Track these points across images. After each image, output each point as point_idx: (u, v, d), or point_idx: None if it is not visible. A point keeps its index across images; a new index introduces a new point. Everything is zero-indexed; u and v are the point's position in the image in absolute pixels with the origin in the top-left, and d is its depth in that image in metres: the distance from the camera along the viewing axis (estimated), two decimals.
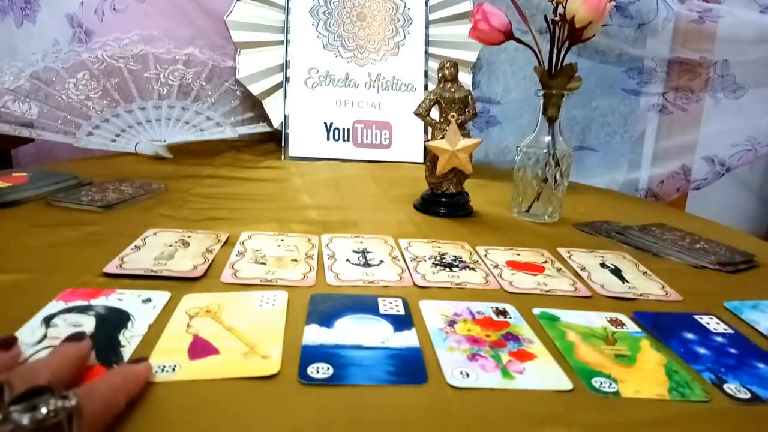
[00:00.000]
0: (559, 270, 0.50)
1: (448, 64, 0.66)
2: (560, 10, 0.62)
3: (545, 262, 0.52)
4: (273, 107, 1.04)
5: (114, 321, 0.35)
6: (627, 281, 0.49)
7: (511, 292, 0.44)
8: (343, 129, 1.04)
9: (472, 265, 0.49)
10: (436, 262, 0.49)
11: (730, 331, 0.40)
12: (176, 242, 0.50)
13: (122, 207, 0.61)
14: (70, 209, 0.59)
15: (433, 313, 0.39)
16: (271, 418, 0.27)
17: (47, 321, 0.34)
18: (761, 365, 0.35)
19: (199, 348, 0.32)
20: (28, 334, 0.32)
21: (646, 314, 0.42)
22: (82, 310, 0.36)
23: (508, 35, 0.67)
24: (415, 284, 0.44)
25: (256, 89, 1.03)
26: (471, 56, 1.11)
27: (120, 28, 1.02)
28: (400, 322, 0.37)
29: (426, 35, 1.10)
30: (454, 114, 0.64)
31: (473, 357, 0.33)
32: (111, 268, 0.43)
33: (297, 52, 1.04)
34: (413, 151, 1.05)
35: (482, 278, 0.47)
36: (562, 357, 0.34)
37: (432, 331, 0.36)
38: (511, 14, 0.68)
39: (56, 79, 0.94)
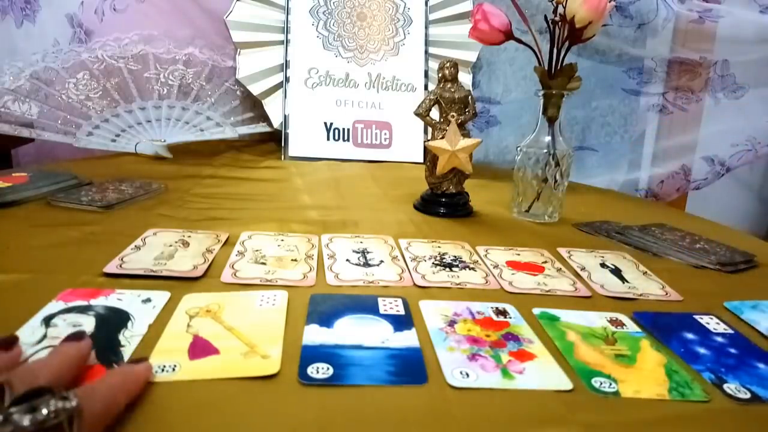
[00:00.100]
0: (559, 270, 0.50)
1: (448, 64, 0.66)
2: (560, 10, 0.62)
3: (545, 262, 0.52)
4: (273, 107, 1.04)
5: (114, 321, 0.35)
6: (627, 281, 0.49)
7: (511, 292, 0.44)
8: (343, 129, 1.04)
9: (472, 265, 0.49)
10: (436, 262, 0.49)
11: (730, 331, 0.40)
12: (176, 242, 0.50)
13: (122, 207, 0.61)
14: (70, 209, 0.59)
15: (433, 313, 0.39)
16: (271, 418, 0.27)
17: (47, 321, 0.34)
18: (761, 365, 0.35)
19: (199, 348, 0.32)
20: (28, 334, 0.32)
21: (646, 314, 0.42)
22: (82, 310, 0.36)
23: (508, 35, 0.67)
24: (415, 284, 0.44)
25: (256, 89, 1.03)
26: (471, 56, 1.11)
27: (120, 28, 1.02)
28: (400, 322, 0.37)
29: (426, 35, 1.10)
30: (454, 114, 0.64)
31: (473, 357, 0.33)
32: (111, 268, 0.43)
33: (297, 52, 1.04)
34: (413, 151, 1.05)
35: (482, 278, 0.47)
36: (562, 357, 0.34)
37: (432, 331, 0.36)
38: (511, 14, 0.68)
39: (56, 79, 0.94)
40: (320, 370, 0.30)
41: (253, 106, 1.08)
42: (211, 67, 1.06)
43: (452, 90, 0.65)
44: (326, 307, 0.39)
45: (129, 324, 0.34)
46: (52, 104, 0.92)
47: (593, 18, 0.60)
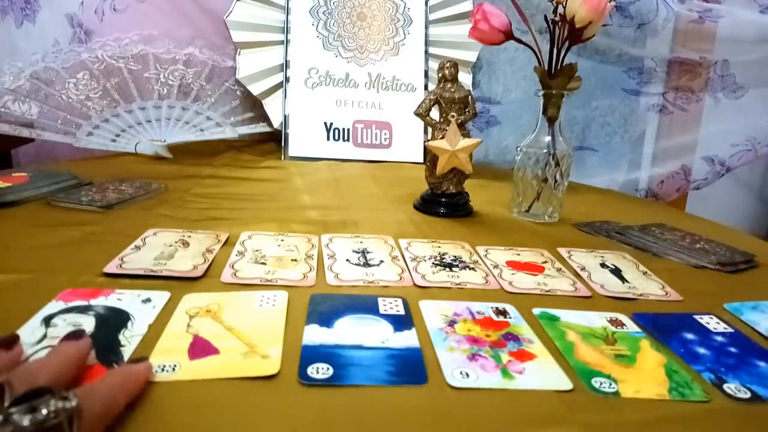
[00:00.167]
0: (559, 270, 0.50)
1: (448, 64, 0.66)
2: (560, 10, 0.62)
3: (545, 262, 0.52)
4: (273, 107, 1.04)
5: (114, 321, 0.35)
6: (627, 281, 0.49)
7: (511, 292, 0.44)
8: (343, 129, 1.04)
9: (472, 265, 0.49)
10: (436, 262, 0.49)
11: (730, 330, 0.40)
12: (176, 242, 0.50)
13: (122, 207, 0.61)
14: (70, 209, 0.59)
15: (433, 313, 0.39)
16: (271, 418, 0.27)
17: (47, 321, 0.34)
18: (761, 364, 0.35)
19: (199, 348, 0.32)
20: (28, 334, 0.32)
21: (645, 315, 0.42)
22: (82, 310, 0.36)
23: (508, 35, 0.67)
24: (415, 284, 0.44)
25: (256, 89, 1.03)
26: (471, 56, 1.11)
27: (120, 28, 1.02)
28: (400, 322, 0.37)
29: (426, 35, 1.10)
30: (454, 114, 0.64)
31: (473, 357, 0.33)
32: (111, 268, 0.43)
33: (297, 52, 1.04)
34: (413, 151, 1.05)
35: (482, 278, 0.47)
36: (562, 357, 0.34)
37: (432, 331, 0.36)
38: (511, 14, 0.68)
39: (56, 79, 0.94)
40: (320, 370, 0.30)
41: (253, 106, 1.08)
42: (211, 67, 1.06)
43: (452, 90, 0.65)
44: (326, 307, 0.39)
45: (129, 324, 0.34)
46: (52, 104, 0.92)
47: (593, 18, 0.60)
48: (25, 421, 0.20)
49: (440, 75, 0.67)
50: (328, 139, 1.03)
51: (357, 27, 1.08)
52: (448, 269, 0.48)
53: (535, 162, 0.66)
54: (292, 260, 0.48)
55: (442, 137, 0.64)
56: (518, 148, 0.68)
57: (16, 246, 0.47)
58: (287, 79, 1.03)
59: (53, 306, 0.36)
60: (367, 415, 0.28)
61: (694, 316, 0.42)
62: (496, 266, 0.50)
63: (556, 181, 0.66)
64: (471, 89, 0.98)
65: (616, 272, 0.51)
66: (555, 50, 0.65)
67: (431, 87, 1.02)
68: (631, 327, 0.39)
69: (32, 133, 0.89)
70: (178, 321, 0.35)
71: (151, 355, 0.31)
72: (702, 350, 0.37)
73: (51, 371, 0.25)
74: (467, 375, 0.31)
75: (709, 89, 1.12)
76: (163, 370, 0.29)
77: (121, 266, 0.43)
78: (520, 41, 0.67)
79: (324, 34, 1.06)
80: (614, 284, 0.48)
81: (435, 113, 0.67)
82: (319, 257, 0.49)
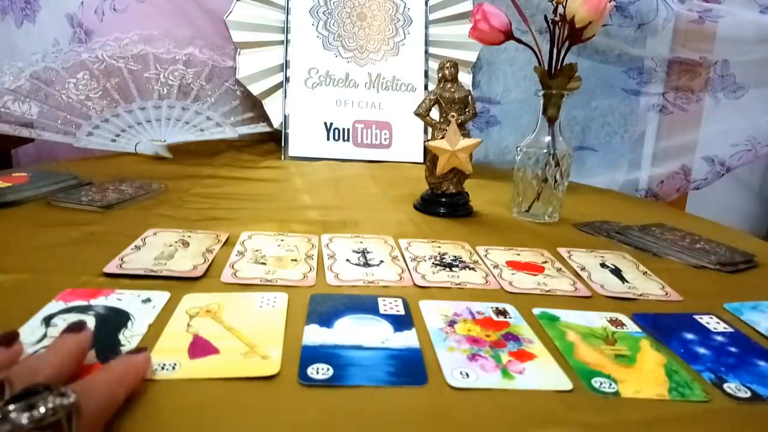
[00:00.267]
0: (559, 270, 0.50)
1: (448, 64, 0.66)
2: (560, 10, 0.62)
3: (545, 262, 0.52)
4: (273, 107, 1.04)
5: (114, 321, 0.35)
6: (627, 281, 0.49)
7: (511, 292, 0.44)
8: (343, 129, 1.04)
9: (472, 265, 0.49)
10: (436, 262, 0.49)
11: (730, 330, 0.40)
12: (176, 242, 0.50)
13: (122, 207, 0.61)
14: (70, 209, 0.59)
15: (433, 313, 0.39)
16: (271, 418, 0.27)
17: (47, 321, 0.34)
18: (762, 363, 0.35)
19: (199, 347, 0.32)
20: (28, 333, 0.32)
21: (645, 315, 0.41)
22: (82, 310, 0.36)
23: (508, 35, 0.67)
24: (415, 284, 0.44)
25: (256, 89, 1.03)
26: (471, 56, 1.11)
27: (120, 28, 1.02)
28: (400, 322, 0.37)
29: (426, 35, 1.10)
30: (454, 114, 0.64)
31: (473, 357, 0.33)
32: (111, 268, 0.43)
33: (297, 52, 1.04)
34: (413, 151, 1.05)
35: (482, 278, 0.47)
36: (562, 357, 0.34)
37: (432, 331, 0.36)
38: (511, 14, 0.68)
39: (56, 79, 0.94)
40: (320, 371, 0.30)
41: (253, 106, 1.08)
42: (211, 67, 1.06)
43: (452, 90, 0.65)
44: (326, 307, 0.39)
45: (129, 324, 0.34)
46: (52, 104, 0.92)
47: (593, 18, 0.60)
48: (24, 419, 0.20)
49: (440, 75, 0.67)
50: (328, 139, 1.03)
51: (357, 27, 1.08)
52: (448, 269, 0.48)
53: (535, 162, 0.66)
54: (292, 260, 0.48)
55: (442, 137, 0.64)
56: (518, 148, 0.68)
57: (16, 246, 0.47)
58: (287, 79, 1.03)
59: (53, 306, 0.36)
60: (367, 416, 0.28)
61: (694, 316, 0.42)
62: (496, 266, 0.50)
63: (556, 181, 0.66)
64: (471, 89, 0.98)
65: (616, 272, 0.51)
66: (555, 50, 0.65)
67: (431, 87, 1.02)
68: (631, 327, 0.39)
69: (32, 133, 0.89)
70: (178, 321, 0.35)
71: (151, 354, 0.31)
72: (702, 350, 0.37)
73: (51, 367, 0.25)
74: (467, 375, 0.31)
75: (709, 89, 1.12)
76: (162, 368, 0.29)
77: (121, 266, 0.43)
78: (520, 41, 0.67)
79: (324, 34, 1.06)
80: (614, 284, 0.48)
81: (435, 113, 0.67)
82: (319, 257, 0.49)
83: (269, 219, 0.60)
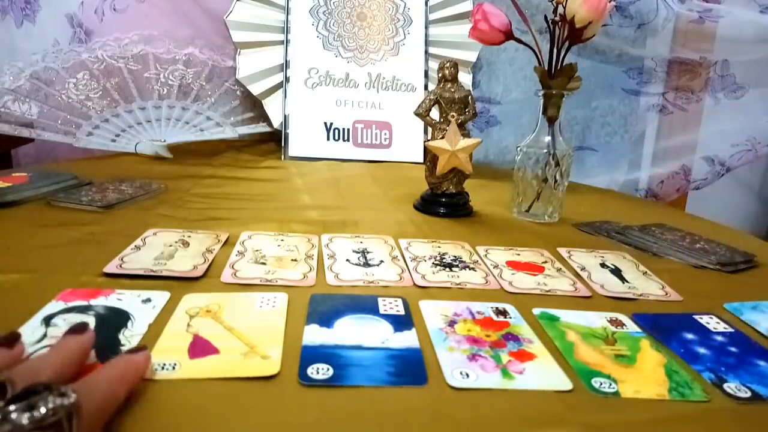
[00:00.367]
0: (559, 270, 0.50)
1: (448, 64, 0.66)
2: (560, 10, 0.62)
3: (545, 262, 0.52)
4: (273, 107, 1.04)
5: (114, 321, 0.35)
6: (627, 281, 0.49)
7: (511, 292, 0.44)
8: (343, 129, 1.04)
9: (472, 265, 0.49)
10: (436, 262, 0.49)
11: (730, 329, 0.40)
12: (176, 242, 0.50)
13: (122, 207, 0.61)
14: (70, 209, 0.59)
15: (433, 313, 0.39)
16: (271, 418, 0.27)
17: (47, 321, 0.34)
18: (762, 363, 0.35)
19: (199, 347, 0.32)
20: (28, 333, 0.32)
21: (645, 315, 0.41)
22: (82, 310, 0.36)
23: (508, 35, 0.67)
24: (415, 284, 0.44)
25: (256, 89, 1.03)
26: (471, 56, 1.11)
27: (120, 28, 1.02)
28: (400, 322, 0.37)
29: (426, 35, 1.10)
30: (454, 114, 0.64)
31: (473, 357, 0.33)
32: (111, 268, 0.43)
33: (297, 52, 1.04)
34: (413, 151, 1.05)
35: (482, 278, 0.47)
36: (562, 357, 0.34)
37: (432, 331, 0.36)
38: (511, 14, 0.68)
39: (56, 79, 0.94)
40: (320, 371, 0.30)
41: (253, 106, 1.08)
42: (211, 67, 1.06)
43: (452, 90, 0.65)
44: (326, 307, 0.39)
45: (129, 324, 0.34)
46: (52, 104, 0.92)
47: (593, 18, 0.60)
48: (24, 419, 0.20)
49: (440, 75, 0.67)
50: (328, 139, 1.03)
51: (357, 27, 1.08)
52: (448, 269, 0.48)
53: (535, 162, 0.66)
54: (292, 260, 0.48)
55: (442, 137, 0.64)
56: (518, 148, 0.68)
57: (16, 246, 0.47)
58: (287, 79, 1.03)
59: (53, 306, 0.36)
60: (367, 416, 0.28)
61: (694, 316, 0.42)
62: (496, 266, 0.50)
63: (556, 181, 0.66)
64: (471, 89, 0.98)
65: (616, 272, 0.51)
66: (555, 50, 0.65)
67: (431, 87, 1.02)
68: (631, 327, 0.39)
69: (32, 133, 0.89)
70: (178, 321, 0.35)
71: (151, 354, 0.31)
72: (702, 350, 0.37)
73: (53, 368, 0.25)
74: (467, 375, 0.31)
75: (709, 89, 1.12)
76: (162, 368, 0.29)
77: (121, 266, 0.43)
78: (520, 41, 0.67)
79: (324, 34, 1.06)
80: (614, 284, 0.48)
81: (435, 113, 0.67)
82: (319, 257, 0.49)
83: (269, 219, 0.60)
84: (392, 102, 1.06)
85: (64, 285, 0.39)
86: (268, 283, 0.42)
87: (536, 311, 0.41)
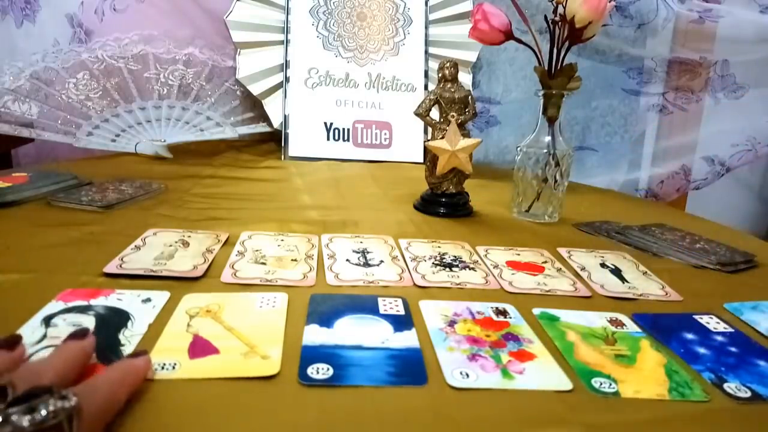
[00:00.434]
0: (559, 270, 0.50)
1: (448, 64, 0.66)
2: (560, 10, 0.62)
3: (545, 262, 0.52)
4: (273, 107, 1.04)
5: (114, 321, 0.35)
6: (627, 281, 0.49)
7: (511, 292, 0.44)
8: (343, 129, 1.04)
9: (472, 265, 0.49)
10: (436, 262, 0.49)
11: (730, 329, 0.40)
12: (176, 242, 0.50)
13: (122, 207, 0.61)
14: (70, 209, 0.59)
15: (433, 313, 0.39)
16: (271, 418, 0.27)
17: (47, 321, 0.34)
18: (762, 363, 0.35)
19: (199, 347, 0.32)
20: (28, 333, 0.32)
21: (645, 315, 0.41)
22: (82, 310, 0.36)
23: (508, 35, 0.67)
24: (415, 284, 0.44)
25: (256, 89, 1.03)
26: (471, 56, 1.11)
27: (120, 28, 1.02)
28: (400, 322, 0.37)
29: (426, 35, 1.10)
30: (454, 114, 0.64)
31: (473, 357, 0.33)
32: (111, 268, 0.43)
33: (297, 52, 1.04)
34: (413, 151, 1.05)
35: (482, 278, 0.47)
36: (562, 357, 0.34)
37: (432, 331, 0.36)
38: (511, 14, 0.68)
39: (56, 79, 0.94)
40: (320, 371, 0.30)
41: (253, 106, 1.08)
42: (211, 67, 1.06)
43: (452, 90, 0.65)
44: (326, 307, 0.39)
45: (129, 324, 0.34)
46: (52, 104, 0.92)
47: (593, 18, 0.60)
48: (25, 421, 0.20)
49: (440, 75, 0.67)
50: (328, 139, 1.03)
51: (357, 27, 1.08)
52: (448, 269, 0.48)
53: (535, 162, 0.66)
54: (292, 260, 0.48)
55: (442, 137, 0.64)
56: (518, 148, 0.68)
57: (16, 246, 0.47)
58: (287, 79, 1.03)
59: (53, 306, 0.36)
60: (367, 416, 0.28)
61: (694, 316, 0.42)
62: (496, 266, 0.50)
63: (556, 181, 0.66)
64: (471, 89, 0.98)
65: (616, 272, 0.51)
66: (555, 50, 0.65)
67: (431, 87, 1.02)
68: (631, 327, 0.39)
69: (32, 133, 0.89)
70: (178, 321, 0.35)
71: (151, 354, 0.31)
72: (702, 350, 0.37)
73: (54, 371, 0.25)
74: (467, 375, 0.31)
75: (709, 89, 1.12)
76: (162, 368, 0.29)
77: (121, 266, 0.43)
78: (520, 41, 0.67)
79: (324, 34, 1.06)
80: (614, 284, 0.48)
81: (435, 113, 0.67)
82: (319, 257, 0.49)
83: (269, 219, 0.60)
84: (392, 102, 1.06)
85: (64, 285, 0.39)
86: (268, 283, 0.42)
87: (536, 311, 0.41)
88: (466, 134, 0.65)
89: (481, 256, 0.52)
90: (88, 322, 0.34)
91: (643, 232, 0.61)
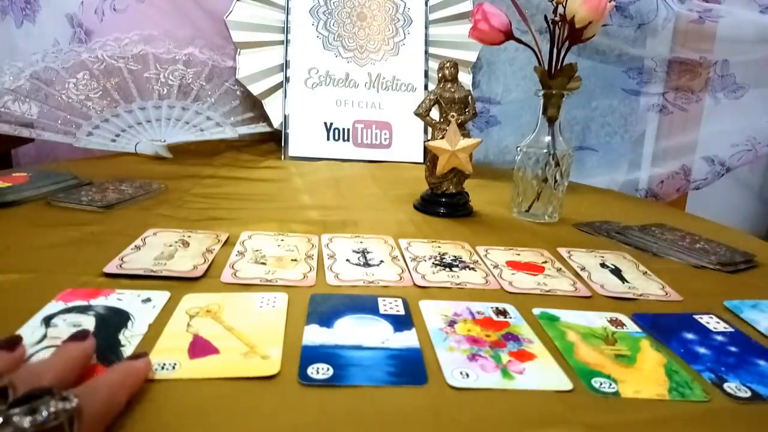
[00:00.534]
0: (559, 270, 0.50)
1: (448, 64, 0.66)
2: (560, 10, 0.62)
3: (545, 262, 0.52)
4: (273, 107, 1.04)
5: (114, 321, 0.35)
6: (627, 281, 0.49)
7: (511, 292, 0.44)
8: (343, 129, 1.04)
9: (472, 265, 0.49)
10: (436, 262, 0.49)
11: (730, 329, 0.40)
12: (176, 242, 0.50)
13: (122, 207, 0.61)
14: (70, 209, 0.59)
15: (433, 313, 0.39)
16: (271, 418, 0.27)
17: (47, 321, 0.34)
18: (762, 362, 0.35)
19: (199, 347, 0.32)
20: (28, 334, 0.32)
21: (645, 315, 0.41)
22: (82, 310, 0.36)
23: (508, 35, 0.67)
24: (415, 284, 0.44)
25: (256, 89, 1.03)
26: (471, 56, 1.11)
27: (120, 28, 1.02)
28: (400, 322, 0.37)
29: (426, 35, 1.10)
30: (454, 114, 0.64)
31: (473, 357, 0.33)
32: (111, 268, 0.43)
33: (297, 52, 1.04)
34: (413, 151, 1.05)
35: (482, 278, 0.47)
36: (562, 357, 0.34)
37: (432, 331, 0.36)
38: (511, 14, 0.68)
39: (56, 79, 0.94)
40: (320, 371, 0.30)
41: (253, 106, 1.08)
42: (211, 67, 1.06)
43: (452, 90, 0.65)
44: (326, 307, 0.39)
45: (129, 324, 0.34)
46: (52, 104, 0.92)
47: (593, 18, 0.60)
48: (26, 423, 0.20)
49: (440, 75, 0.67)
50: (328, 139, 1.03)
51: (357, 27, 1.08)
52: (448, 269, 0.48)
53: (535, 162, 0.66)
54: (292, 260, 0.48)
55: (442, 137, 0.64)
56: (518, 148, 0.68)
57: (16, 246, 0.47)
58: (287, 79, 1.03)
59: (53, 306, 0.36)
60: (367, 416, 0.28)
61: (694, 316, 0.42)
62: (496, 266, 0.50)
63: (556, 181, 0.66)
64: (471, 89, 0.98)
65: (616, 272, 0.51)
66: (555, 50, 0.65)
67: (431, 87, 1.02)
68: (631, 327, 0.39)
69: (32, 133, 0.89)
70: (178, 321, 0.35)
71: (151, 354, 0.31)
72: (702, 350, 0.37)
73: (55, 372, 0.25)
74: (467, 375, 0.31)
75: (709, 89, 1.12)
76: (162, 368, 0.29)
77: (121, 266, 0.43)
78: (520, 41, 0.67)
79: (324, 34, 1.06)
80: (614, 284, 0.48)
81: (435, 113, 0.67)
82: (319, 257, 0.49)
83: (269, 219, 0.60)
84: (392, 102, 1.06)
85: (64, 285, 0.39)
86: (268, 283, 0.42)
87: (536, 311, 0.41)
88: (466, 134, 0.65)
89: (481, 256, 0.52)
90: (88, 322, 0.34)
91: (643, 232, 0.61)
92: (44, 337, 0.32)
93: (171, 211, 0.61)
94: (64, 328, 0.33)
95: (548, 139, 0.66)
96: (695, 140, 1.15)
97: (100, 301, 0.37)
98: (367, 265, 0.48)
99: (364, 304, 0.40)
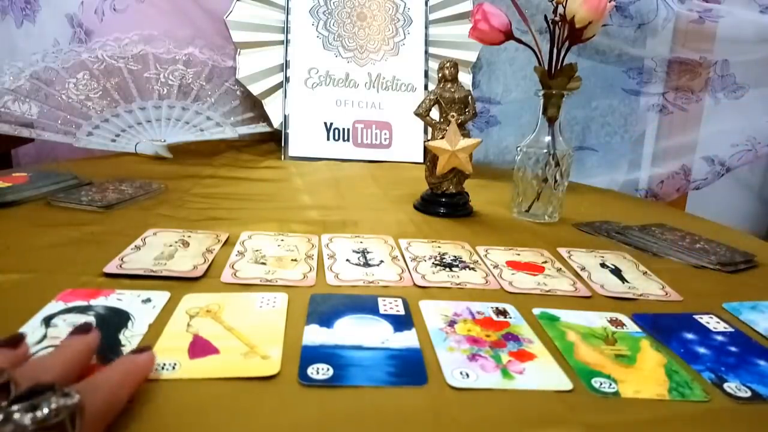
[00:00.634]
0: (559, 270, 0.50)
1: (448, 64, 0.66)
2: (560, 10, 0.62)
3: (545, 262, 0.52)
4: (273, 107, 1.04)
5: (114, 321, 0.35)
6: (627, 281, 0.49)
7: (511, 292, 0.44)
8: (343, 129, 1.04)
9: (472, 265, 0.49)
10: (436, 262, 0.49)
11: (730, 329, 0.40)
12: (176, 242, 0.50)
13: (122, 207, 0.61)
14: (70, 209, 0.59)
15: (433, 313, 0.39)
16: (271, 418, 0.27)
17: (47, 321, 0.34)
18: (761, 362, 0.35)
19: (199, 347, 0.32)
20: (28, 334, 0.32)
21: (645, 315, 0.42)
22: (82, 310, 0.36)
23: (508, 35, 0.67)
24: (415, 284, 0.44)
25: (256, 89, 1.03)
26: (471, 56, 1.11)
27: (120, 28, 1.02)
28: (400, 323, 0.37)
29: (426, 35, 1.10)
30: (454, 114, 0.64)
31: (473, 357, 0.33)
32: (111, 268, 0.43)
33: (297, 52, 1.04)
34: (413, 151, 1.05)
35: (482, 278, 0.47)
36: (562, 357, 0.34)
37: (432, 332, 0.36)
38: (511, 14, 0.68)
39: (56, 79, 0.94)
40: (320, 371, 0.30)
41: (253, 106, 1.08)
42: (211, 67, 1.06)
43: (452, 90, 0.65)
44: (326, 307, 0.39)
45: (129, 324, 0.34)
46: (52, 104, 0.92)
47: (593, 18, 0.60)
48: (27, 419, 0.20)
49: (440, 75, 0.67)
50: (328, 139, 1.03)
51: (357, 27, 1.08)
52: (448, 269, 0.48)
53: (535, 162, 0.66)
54: (292, 260, 0.48)
55: (442, 137, 0.64)
56: (518, 148, 0.68)
57: (16, 246, 0.47)
58: (287, 79, 1.03)
59: (53, 306, 0.36)
60: (367, 416, 0.28)
61: (694, 316, 0.42)
62: (496, 266, 0.50)
63: (556, 181, 0.66)
64: (471, 89, 0.98)
65: (616, 272, 0.51)
66: (555, 50, 0.65)
67: (431, 87, 1.02)
68: (631, 327, 0.39)
69: (32, 133, 0.89)
70: (178, 321, 0.35)
71: None
72: (702, 350, 0.37)
73: (57, 368, 0.25)
74: (467, 375, 0.31)
75: (709, 89, 1.12)
76: (163, 368, 0.29)
77: (121, 266, 0.43)
78: (520, 41, 0.67)
79: (324, 34, 1.06)
80: (614, 284, 0.48)
81: (435, 113, 0.67)
82: (319, 257, 0.49)
83: (269, 219, 0.60)
84: (392, 102, 1.06)
85: (64, 285, 0.39)
86: (268, 283, 0.42)
87: (536, 311, 0.41)
88: (466, 134, 0.65)
89: (481, 256, 0.52)
90: (90, 322, 0.34)
91: (643, 232, 0.61)
92: (44, 337, 0.32)
93: (171, 211, 0.61)
94: (64, 328, 0.33)
95: (548, 139, 0.66)
96: (695, 140, 1.15)
97: (100, 302, 0.37)
98: (367, 265, 0.48)
99: (364, 304, 0.40)
